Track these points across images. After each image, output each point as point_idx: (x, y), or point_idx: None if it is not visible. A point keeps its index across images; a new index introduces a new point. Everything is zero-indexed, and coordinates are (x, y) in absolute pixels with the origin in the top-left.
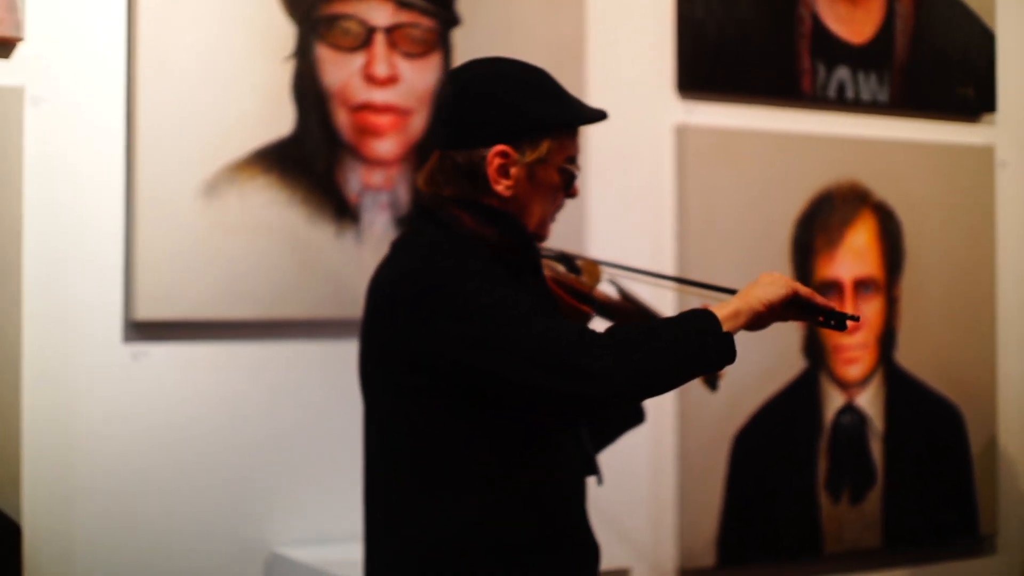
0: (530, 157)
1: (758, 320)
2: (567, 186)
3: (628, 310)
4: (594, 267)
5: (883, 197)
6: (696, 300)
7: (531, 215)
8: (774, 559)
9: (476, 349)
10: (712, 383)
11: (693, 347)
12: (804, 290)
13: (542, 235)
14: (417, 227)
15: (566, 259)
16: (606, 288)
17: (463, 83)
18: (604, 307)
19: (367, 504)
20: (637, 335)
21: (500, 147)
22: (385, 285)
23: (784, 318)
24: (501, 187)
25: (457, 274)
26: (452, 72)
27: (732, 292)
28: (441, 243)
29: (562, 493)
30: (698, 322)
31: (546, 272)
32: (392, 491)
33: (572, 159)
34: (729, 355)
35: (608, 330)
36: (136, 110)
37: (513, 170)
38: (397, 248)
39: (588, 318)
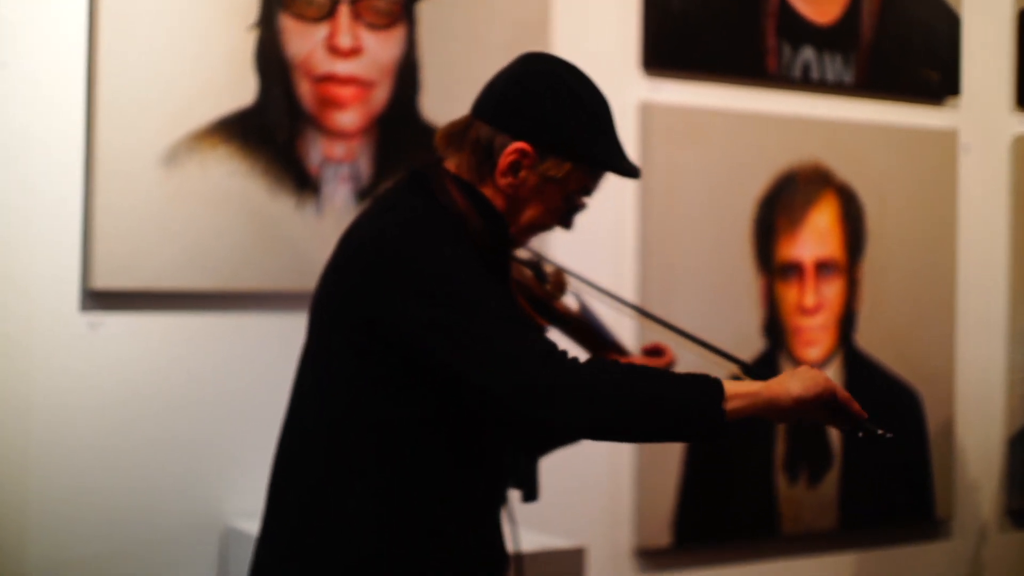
0: (547, 171)
1: (780, 413)
2: (566, 214)
3: (584, 327)
4: (561, 278)
5: (846, 179)
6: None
7: (518, 220)
8: (730, 540)
9: (439, 336)
10: None
11: (678, 414)
12: (843, 394)
13: (520, 243)
14: (405, 188)
15: (536, 265)
16: (569, 301)
17: (530, 70)
18: (562, 319)
19: (276, 463)
20: (623, 378)
21: (524, 145)
22: (358, 241)
23: (813, 417)
24: (504, 181)
25: (434, 251)
26: (530, 53)
27: (712, 347)
28: (424, 213)
29: (475, 497)
30: (700, 389)
31: (513, 276)
32: (304, 456)
33: (586, 191)
34: (717, 435)
35: (594, 361)
36: (97, 77)
37: (523, 172)
38: (379, 205)
39: (543, 331)
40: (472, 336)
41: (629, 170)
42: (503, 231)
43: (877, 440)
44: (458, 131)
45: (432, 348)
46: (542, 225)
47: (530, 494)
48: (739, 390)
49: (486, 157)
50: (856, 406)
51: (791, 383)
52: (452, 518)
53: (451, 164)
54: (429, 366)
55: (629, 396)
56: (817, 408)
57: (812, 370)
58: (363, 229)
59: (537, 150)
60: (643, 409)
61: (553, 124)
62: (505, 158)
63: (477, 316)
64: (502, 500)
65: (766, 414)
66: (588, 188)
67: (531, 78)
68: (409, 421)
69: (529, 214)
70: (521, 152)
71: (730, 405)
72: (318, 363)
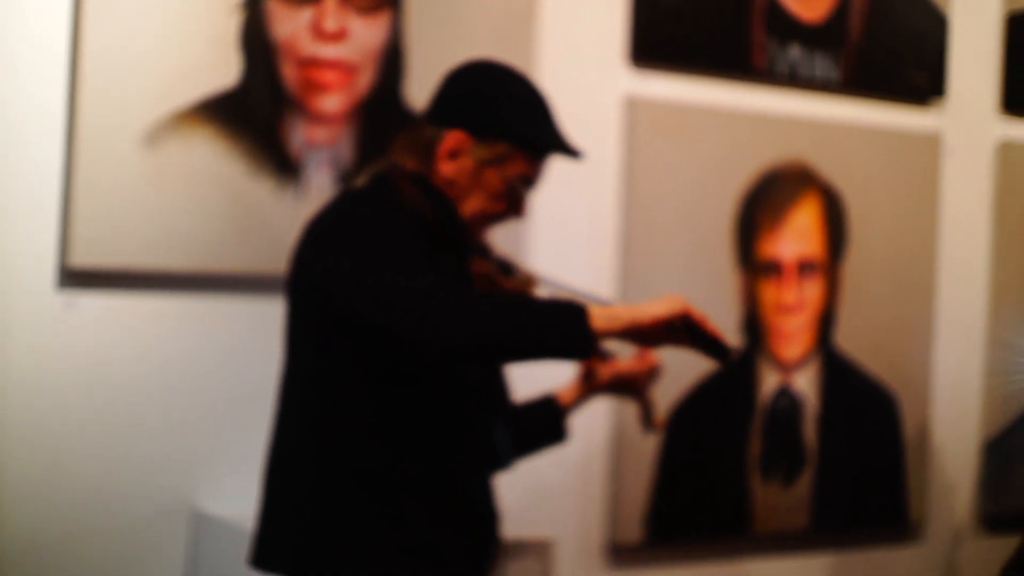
0: (481, 154)
1: (644, 333)
2: (510, 199)
3: None
4: (529, 274)
5: (829, 178)
6: None
7: (465, 206)
8: (703, 538)
9: (342, 282)
10: (647, 424)
11: (547, 330)
12: (697, 313)
13: (475, 232)
14: (366, 183)
15: (504, 262)
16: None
17: (464, 69)
18: None
19: (270, 448)
20: (497, 302)
21: (458, 132)
22: (306, 227)
23: (675, 341)
24: (445, 167)
25: (363, 220)
26: (468, 60)
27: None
28: (371, 198)
29: (449, 458)
30: (567, 310)
31: (476, 267)
32: (287, 435)
33: (527, 180)
34: (583, 350)
35: (479, 292)
36: (80, 54)
37: (461, 158)
38: (336, 198)
39: None
40: (366, 278)
41: (559, 146)
42: (453, 215)
43: (726, 359)
44: (410, 136)
45: (336, 296)
46: (490, 212)
47: (504, 460)
48: (603, 312)
49: (427, 152)
50: (709, 326)
51: (651, 305)
52: (428, 481)
53: (409, 165)
54: (336, 316)
55: (506, 319)
56: (676, 327)
57: (672, 294)
58: (316, 218)
59: (471, 135)
60: (515, 330)
61: (482, 108)
62: (443, 147)
63: (379, 263)
64: (485, 463)
65: (632, 336)
66: (529, 175)
67: (463, 75)
68: (365, 387)
69: (474, 201)
70: (456, 139)
71: (595, 323)
72: (288, 345)
